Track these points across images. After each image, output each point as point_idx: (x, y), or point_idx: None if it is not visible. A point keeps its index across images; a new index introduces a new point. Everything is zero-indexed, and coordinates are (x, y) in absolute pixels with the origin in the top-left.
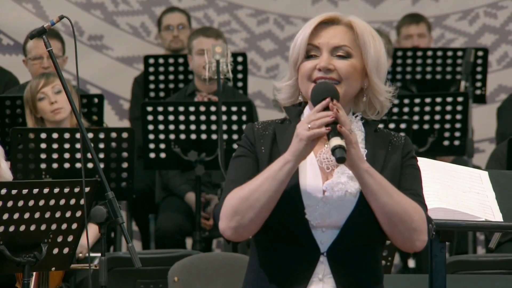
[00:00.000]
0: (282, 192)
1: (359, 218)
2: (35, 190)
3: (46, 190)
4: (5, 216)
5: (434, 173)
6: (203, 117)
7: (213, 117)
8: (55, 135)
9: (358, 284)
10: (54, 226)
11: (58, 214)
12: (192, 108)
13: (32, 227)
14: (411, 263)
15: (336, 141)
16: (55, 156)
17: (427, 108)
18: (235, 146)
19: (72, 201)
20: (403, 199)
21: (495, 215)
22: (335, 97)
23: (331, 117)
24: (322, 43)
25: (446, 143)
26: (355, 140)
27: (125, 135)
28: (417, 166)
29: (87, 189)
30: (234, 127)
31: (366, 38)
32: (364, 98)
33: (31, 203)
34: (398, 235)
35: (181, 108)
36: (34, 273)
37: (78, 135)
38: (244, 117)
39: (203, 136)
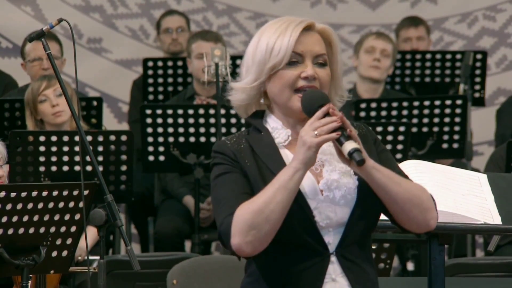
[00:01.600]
0: (293, 199)
1: (360, 212)
2: (34, 193)
3: (45, 193)
4: (4, 219)
5: (433, 176)
6: (202, 120)
7: (212, 120)
8: (54, 138)
9: (366, 278)
10: (53, 229)
11: (57, 217)
12: (191, 111)
13: (31, 230)
14: (410, 266)
15: (351, 144)
16: (54, 159)
17: (426, 111)
18: (216, 160)
19: (71, 204)
20: (409, 183)
21: (494, 218)
22: (329, 103)
23: (337, 122)
24: (305, 51)
25: (445, 146)
26: (359, 141)
27: (124, 138)
28: (386, 148)
29: (86, 192)
30: (233, 130)
31: (338, 46)
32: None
33: (30, 205)
34: (413, 220)
35: (180, 111)
36: (32, 276)
37: (77, 138)
38: (243, 120)
39: (202, 139)
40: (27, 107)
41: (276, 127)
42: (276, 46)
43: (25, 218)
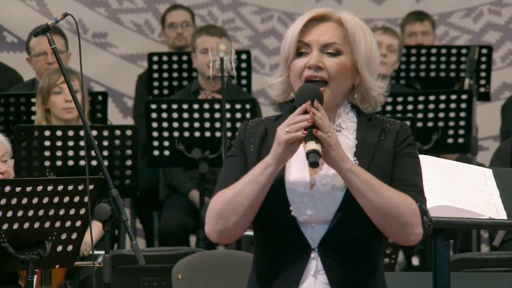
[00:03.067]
0: (266, 194)
1: (348, 212)
2: (39, 188)
3: (50, 188)
4: (9, 214)
5: (438, 171)
6: (207, 115)
7: (217, 115)
8: (59, 133)
9: (352, 278)
10: (58, 224)
11: (62, 212)
12: (196, 106)
13: (36, 225)
14: (415, 261)
15: (310, 145)
16: (59, 153)
17: (431, 106)
18: (233, 141)
19: (76, 199)
20: (391, 193)
21: (499, 213)
22: (318, 99)
23: (308, 121)
24: (312, 40)
25: (450, 140)
26: (335, 142)
27: (129, 132)
28: (415, 154)
29: (91, 187)
30: (238, 124)
31: (357, 34)
32: (356, 95)
33: (35, 200)
34: (390, 230)
35: (185, 106)
36: (37, 271)
37: (82, 133)
38: (248, 115)
39: (207, 134)
40: (39, 94)
41: None
42: (287, 38)
43: (30, 213)
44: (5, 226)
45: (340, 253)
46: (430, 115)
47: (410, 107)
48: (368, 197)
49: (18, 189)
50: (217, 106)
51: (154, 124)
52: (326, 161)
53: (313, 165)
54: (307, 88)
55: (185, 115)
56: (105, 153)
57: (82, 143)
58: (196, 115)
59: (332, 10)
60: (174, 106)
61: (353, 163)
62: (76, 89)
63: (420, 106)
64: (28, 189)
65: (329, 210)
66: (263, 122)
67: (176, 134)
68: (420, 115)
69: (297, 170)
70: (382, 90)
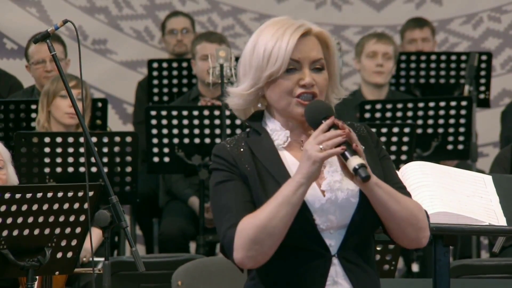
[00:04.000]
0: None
1: (362, 215)
2: (39, 194)
3: (49, 194)
4: (9, 220)
5: (437, 177)
6: (206, 121)
7: (217, 121)
8: (59, 139)
9: (368, 280)
10: (57, 230)
11: (61, 218)
12: (196, 112)
13: (36, 231)
14: (415, 268)
15: (356, 160)
16: (59, 160)
17: (431, 112)
18: (216, 166)
19: (76, 205)
20: (407, 201)
21: (499, 220)
22: (332, 114)
23: (343, 136)
24: (302, 57)
25: (450, 147)
26: (364, 156)
27: (128, 139)
28: (388, 154)
29: (90, 193)
30: (238, 131)
31: (335, 49)
32: None
33: (34, 207)
34: (407, 237)
35: (185, 112)
36: (38, 277)
37: (81, 139)
38: None
39: (207, 140)
40: (44, 95)
41: (275, 128)
42: (273, 53)
43: (30, 220)
44: (5, 233)
45: (357, 256)
46: (430, 121)
47: (410, 113)
48: (392, 208)
49: (18, 195)
50: (217, 112)
51: (154, 131)
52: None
53: (366, 179)
54: (318, 105)
55: (185, 122)
56: (105, 159)
57: (82, 149)
58: (196, 122)
59: (307, 22)
60: (174, 113)
61: (376, 177)
62: (79, 97)
63: (420, 113)
64: (28, 195)
65: (346, 215)
66: (239, 141)
67: (176, 140)
68: (420, 122)
69: None
70: (343, 96)
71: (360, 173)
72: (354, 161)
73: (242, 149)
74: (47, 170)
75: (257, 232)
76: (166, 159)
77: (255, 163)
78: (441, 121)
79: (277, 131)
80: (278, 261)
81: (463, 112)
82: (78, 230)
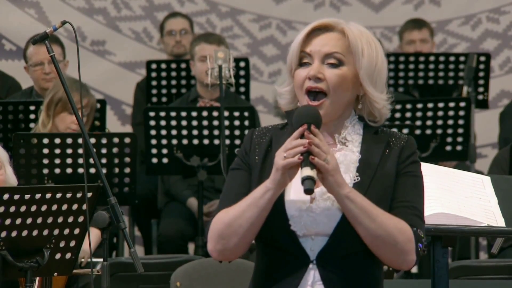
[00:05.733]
0: (266, 216)
1: (348, 227)
2: (38, 195)
3: (48, 195)
4: (8, 221)
5: (436, 178)
6: (205, 122)
7: (216, 122)
8: (57, 140)
9: None
10: (56, 231)
11: (60, 219)
12: (194, 113)
13: (35, 232)
14: (414, 268)
15: (305, 171)
16: (57, 161)
17: (430, 113)
18: (237, 151)
19: (75, 206)
20: (387, 220)
21: (497, 221)
22: (315, 123)
23: (304, 146)
24: (313, 50)
25: (448, 148)
26: (333, 167)
27: (127, 140)
28: (418, 173)
29: (89, 194)
30: (236, 132)
31: (359, 45)
32: (360, 105)
33: (33, 208)
34: (384, 256)
35: (184, 113)
36: (37, 278)
37: (80, 140)
38: (246, 122)
39: (206, 141)
40: (50, 104)
41: None
42: (291, 47)
43: (29, 221)
44: (3, 234)
45: (339, 266)
46: (429, 122)
47: (408, 114)
48: (363, 224)
49: (16, 196)
50: (215, 113)
51: (153, 132)
52: (323, 185)
53: (308, 192)
54: (305, 111)
55: (184, 123)
56: (104, 160)
57: (80, 150)
58: (194, 123)
59: (338, 20)
60: (173, 114)
61: (350, 189)
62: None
63: (419, 114)
64: (27, 196)
65: (328, 225)
66: (269, 131)
67: (174, 141)
68: (418, 123)
69: (298, 185)
70: (386, 103)
71: (304, 185)
72: (304, 172)
73: (264, 139)
74: (45, 171)
75: (224, 228)
76: (165, 160)
77: (266, 156)
78: (439, 122)
79: None
80: (265, 260)
81: (461, 113)
82: (76, 231)
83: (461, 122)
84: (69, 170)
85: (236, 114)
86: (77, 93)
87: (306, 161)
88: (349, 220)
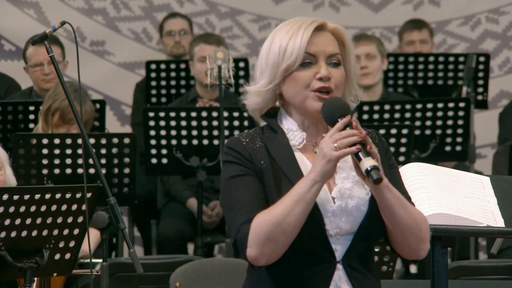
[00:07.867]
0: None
1: (369, 224)
2: (37, 196)
3: (48, 196)
4: (7, 222)
5: (435, 178)
6: (204, 123)
7: (215, 123)
8: (56, 141)
9: (370, 287)
10: (56, 232)
11: (60, 220)
12: (193, 114)
13: (34, 233)
14: (413, 269)
15: (369, 161)
16: (57, 161)
17: (429, 114)
18: (232, 158)
19: (74, 207)
20: (413, 210)
21: (497, 221)
22: (349, 113)
23: (358, 136)
24: (318, 51)
25: (447, 148)
26: (378, 157)
27: (126, 140)
28: (396, 164)
29: (88, 195)
30: (236, 132)
31: (351, 45)
32: None
33: (33, 208)
34: (406, 246)
35: (183, 114)
36: (36, 279)
37: (79, 141)
38: (245, 123)
39: (205, 142)
40: (47, 112)
41: (291, 128)
42: (288, 47)
43: (28, 221)
44: (2, 234)
45: (360, 263)
46: (428, 123)
47: (408, 115)
48: (398, 214)
49: (16, 197)
50: (215, 114)
51: (152, 132)
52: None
53: (378, 181)
54: (336, 103)
55: (183, 123)
56: (103, 161)
57: (80, 151)
58: (194, 123)
59: (321, 18)
60: (172, 114)
61: (387, 180)
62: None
63: (418, 114)
64: (26, 197)
65: (354, 223)
66: (254, 137)
67: (174, 142)
68: (418, 123)
69: None
70: (361, 98)
71: (372, 175)
72: (367, 163)
73: (257, 145)
74: (45, 171)
75: (272, 229)
76: (164, 161)
77: (270, 161)
78: (439, 123)
79: (293, 131)
80: (281, 264)
81: (461, 113)
82: (76, 231)
83: (460, 122)
84: (68, 171)
85: (236, 114)
86: (77, 102)
87: (364, 151)
88: (382, 210)
